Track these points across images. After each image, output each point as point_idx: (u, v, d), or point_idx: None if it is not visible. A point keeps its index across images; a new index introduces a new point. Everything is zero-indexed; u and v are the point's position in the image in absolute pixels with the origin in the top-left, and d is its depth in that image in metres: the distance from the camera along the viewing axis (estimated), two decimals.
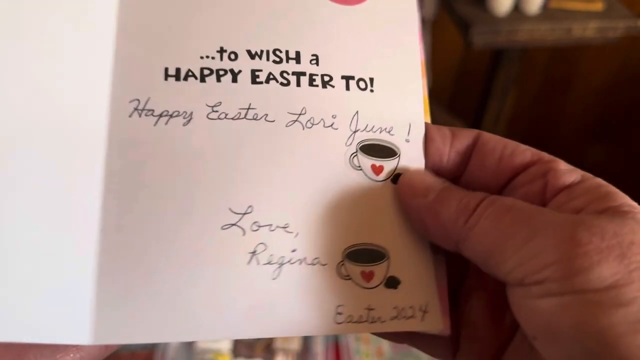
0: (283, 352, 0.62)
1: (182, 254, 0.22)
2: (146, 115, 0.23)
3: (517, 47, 1.17)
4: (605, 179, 0.21)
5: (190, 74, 0.23)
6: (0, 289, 0.20)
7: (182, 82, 0.23)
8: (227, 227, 0.22)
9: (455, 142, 0.24)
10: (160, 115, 0.23)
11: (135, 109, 0.23)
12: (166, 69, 0.23)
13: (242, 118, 0.23)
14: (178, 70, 0.23)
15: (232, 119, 0.23)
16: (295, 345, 0.63)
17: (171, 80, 0.23)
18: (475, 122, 1.33)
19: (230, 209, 0.22)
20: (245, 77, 0.24)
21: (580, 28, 1.12)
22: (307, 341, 0.64)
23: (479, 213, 0.21)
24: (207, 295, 0.21)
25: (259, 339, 0.63)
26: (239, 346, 0.63)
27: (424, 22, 1.13)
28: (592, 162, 1.60)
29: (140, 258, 0.21)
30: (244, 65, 0.24)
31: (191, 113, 0.23)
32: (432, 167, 0.24)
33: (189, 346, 0.63)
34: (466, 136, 0.24)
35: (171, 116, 0.23)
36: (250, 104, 0.23)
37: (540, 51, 1.42)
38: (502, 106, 1.28)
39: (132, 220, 0.22)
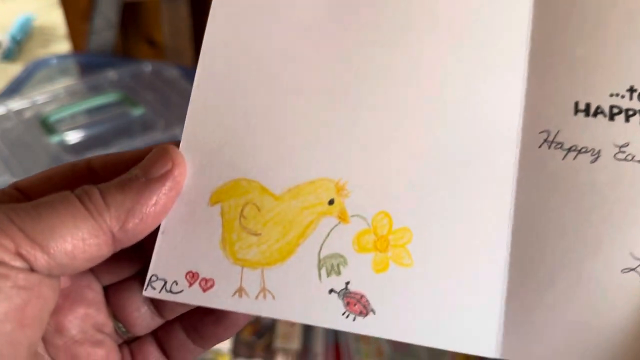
0: (283, 352, 0.62)
1: (581, 291, 0.22)
2: (555, 148, 0.23)
3: None
4: None
5: (599, 110, 0.23)
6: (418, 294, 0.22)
7: (591, 118, 0.23)
8: (626, 271, 0.22)
9: None
10: (569, 150, 0.23)
11: (545, 140, 0.23)
12: (576, 103, 0.23)
13: None
14: (588, 105, 0.23)
15: (639, 162, 0.23)
16: (296, 345, 0.62)
17: (580, 115, 0.23)
18: None
19: (631, 254, 0.23)
20: None
21: None
22: (307, 341, 0.63)
23: None
24: (603, 337, 0.22)
25: (259, 339, 0.64)
26: (239, 346, 0.63)
27: None
28: None
29: (546, 286, 0.22)
30: None
31: (599, 151, 0.23)
32: None
33: None
34: None
35: (579, 152, 0.23)
36: None
37: None
38: None
39: (538, 248, 0.23)
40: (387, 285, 0.22)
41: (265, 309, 0.21)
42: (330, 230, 0.22)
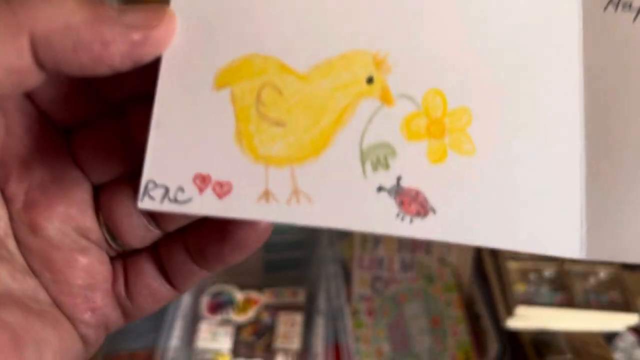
0: (283, 352, 0.62)
1: None
2: (623, 9, 0.20)
3: None
4: None
5: None
6: (501, 196, 0.18)
7: None
8: None
9: None
10: (639, 11, 0.20)
11: (610, 1, 0.20)
12: None
13: None
14: None
15: None
16: (296, 345, 0.62)
17: None
18: None
19: None
20: None
21: None
22: (307, 341, 0.63)
23: None
24: None
25: (259, 339, 0.63)
26: (239, 346, 0.63)
27: None
28: None
29: (631, 173, 0.19)
30: None
31: None
32: None
33: (189, 346, 0.63)
34: None
35: None
36: None
37: None
38: None
39: (617, 129, 0.19)
40: (447, 178, 0.18)
41: (301, 215, 0.17)
42: (372, 115, 0.18)
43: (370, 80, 0.18)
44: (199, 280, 0.21)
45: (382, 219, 0.17)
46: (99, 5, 0.16)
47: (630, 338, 0.64)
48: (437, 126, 0.18)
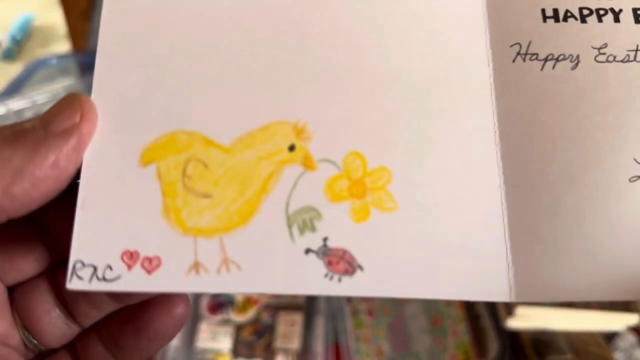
0: (283, 352, 0.61)
1: (592, 205, 0.20)
2: (531, 59, 0.21)
3: None
4: None
5: (569, 14, 0.21)
6: (421, 247, 0.19)
7: (562, 23, 0.21)
8: (634, 179, 0.20)
9: None
10: (546, 59, 0.21)
11: (518, 53, 0.21)
12: (543, 10, 0.21)
13: (632, 61, 0.21)
14: (556, 10, 0.21)
15: (622, 61, 0.21)
16: (295, 345, 0.62)
17: (550, 22, 0.21)
18: None
19: (635, 159, 0.20)
20: (627, 17, 0.21)
21: None
22: (307, 341, 0.62)
23: None
24: (613, 251, 0.19)
25: (259, 339, 0.63)
26: (239, 346, 0.62)
27: None
28: None
29: (551, 208, 0.20)
30: (624, 3, 0.22)
31: (577, 56, 0.21)
32: None
33: (189, 346, 0.62)
34: None
35: (557, 60, 0.21)
36: (637, 45, 0.21)
37: None
38: None
39: (535, 168, 0.20)
40: (371, 235, 0.18)
41: (231, 284, 0.17)
42: (296, 181, 0.19)
43: (292, 148, 0.19)
44: None
45: (311, 280, 0.18)
46: (25, 133, 0.16)
47: (630, 338, 0.63)
48: (358, 187, 0.19)
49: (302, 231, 0.18)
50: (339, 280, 0.18)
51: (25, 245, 0.18)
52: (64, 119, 0.17)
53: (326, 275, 0.18)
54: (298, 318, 0.65)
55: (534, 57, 0.21)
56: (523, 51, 0.21)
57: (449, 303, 0.70)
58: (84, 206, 0.18)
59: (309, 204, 0.19)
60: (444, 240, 0.19)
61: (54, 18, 1.30)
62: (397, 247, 0.18)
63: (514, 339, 0.64)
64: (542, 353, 0.63)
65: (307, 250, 0.18)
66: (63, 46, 1.19)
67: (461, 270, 0.19)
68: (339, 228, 0.18)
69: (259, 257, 0.18)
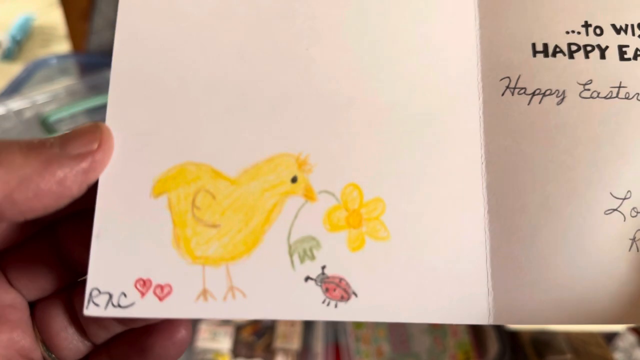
0: (283, 352, 0.62)
1: (566, 239, 0.21)
2: (519, 93, 0.22)
3: None
4: None
5: (557, 49, 0.22)
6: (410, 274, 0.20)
7: (550, 58, 0.22)
8: (609, 212, 0.21)
9: None
10: (534, 94, 0.22)
11: (507, 87, 0.22)
12: (533, 45, 0.22)
13: (614, 97, 0.22)
14: (545, 45, 0.22)
15: (605, 97, 0.22)
16: (295, 345, 0.62)
17: (539, 56, 0.22)
18: None
19: (611, 193, 0.21)
20: (612, 53, 0.22)
21: None
22: (307, 341, 0.63)
23: None
24: (586, 280, 0.21)
25: (259, 339, 0.63)
26: (239, 346, 0.62)
27: None
28: None
29: (530, 238, 0.21)
30: (611, 40, 0.22)
31: (564, 91, 0.22)
32: None
33: (189, 346, 0.61)
34: None
35: (544, 95, 0.22)
36: (620, 82, 0.22)
37: None
38: None
39: (516, 199, 0.21)
40: (366, 263, 0.20)
41: (237, 310, 0.19)
42: (298, 211, 0.20)
43: (294, 180, 0.20)
44: None
45: (310, 306, 0.19)
46: (41, 147, 0.17)
47: (630, 338, 0.64)
48: (355, 217, 0.20)
49: (302, 260, 0.20)
50: (335, 306, 0.19)
51: (45, 264, 0.19)
52: (82, 143, 0.18)
53: (324, 302, 0.19)
54: None
55: (522, 91, 0.22)
56: (512, 85, 0.22)
57: None
58: (99, 236, 0.19)
59: (309, 234, 0.20)
60: (430, 267, 0.20)
61: (54, 18, 1.30)
62: (388, 274, 0.20)
63: (514, 339, 0.64)
64: (542, 353, 0.63)
65: (307, 278, 0.19)
66: (63, 46, 1.18)
67: (445, 295, 0.20)
68: (336, 257, 0.20)
69: (262, 284, 0.19)
